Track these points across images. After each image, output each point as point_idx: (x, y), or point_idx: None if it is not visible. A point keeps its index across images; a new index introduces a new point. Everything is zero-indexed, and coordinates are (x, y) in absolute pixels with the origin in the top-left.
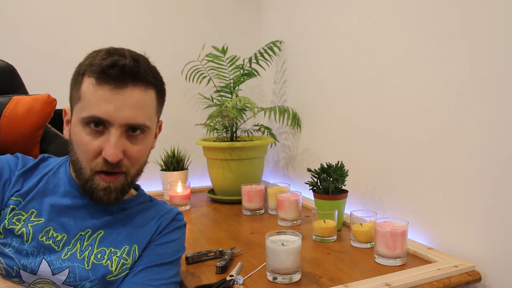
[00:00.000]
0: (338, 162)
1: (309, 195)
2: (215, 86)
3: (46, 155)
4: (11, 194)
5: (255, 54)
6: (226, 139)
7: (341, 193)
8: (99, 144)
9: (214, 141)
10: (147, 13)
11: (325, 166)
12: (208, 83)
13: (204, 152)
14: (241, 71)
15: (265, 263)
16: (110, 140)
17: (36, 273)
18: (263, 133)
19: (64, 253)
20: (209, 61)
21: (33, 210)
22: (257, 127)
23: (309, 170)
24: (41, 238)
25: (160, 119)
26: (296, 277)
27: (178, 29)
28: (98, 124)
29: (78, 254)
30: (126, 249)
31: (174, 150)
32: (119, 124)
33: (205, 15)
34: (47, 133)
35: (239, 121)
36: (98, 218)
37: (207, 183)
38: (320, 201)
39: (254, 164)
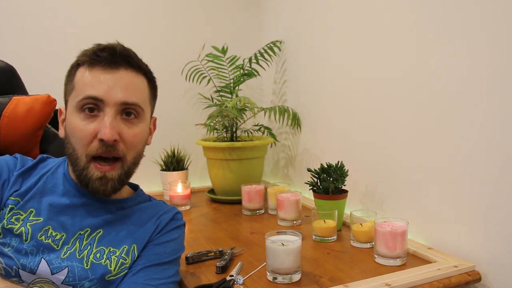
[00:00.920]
0: (338, 162)
1: (309, 195)
2: (215, 86)
3: (45, 155)
4: (10, 194)
5: (255, 54)
6: (226, 139)
7: (341, 193)
8: (95, 127)
9: (214, 141)
10: (147, 13)
11: (325, 166)
12: (208, 83)
13: (204, 152)
14: (241, 71)
15: (265, 263)
16: (105, 120)
17: (35, 272)
18: (263, 133)
19: (63, 252)
20: (209, 61)
21: (32, 209)
22: (257, 127)
23: (309, 170)
24: (40, 237)
25: (161, 119)
26: (296, 277)
27: (178, 29)
28: (93, 109)
29: (77, 254)
30: (125, 249)
31: (174, 150)
32: (113, 103)
33: (205, 15)
34: (47, 133)
35: (239, 121)
36: (97, 217)
37: (207, 183)
38: (320, 201)
39: (254, 164)
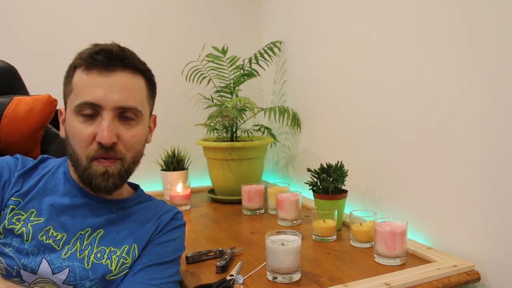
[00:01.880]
0: (338, 162)
1: (309, 195)
2: (215, 86)
3: (45, 156)
4: (10, 195)
5: (255, 55)
6: (226, 139)
7: (341, 193)
8: (93, 130)
9: (214, 141)
10: (147, 13)
11: (325, 166)
12: (208, 83)
13: (204, 152)
14: (241, 71)
15: (265, 262)
16: (103, 124)
17: (36, 272)
18: (263, 133)
19: (64, 252)
20: (209, 61)
21: (33, 209)
22: (257, 127)
23: (309, 170)
24: (41, 238)
25: (161, 119)
26: (296, 276)
27: (178, 30)
28: (91, 111)
29: (78, 254)
30: (125, 248)
31: (174, 150)
32: (110, 107)
33: (205, 16)
34: (47, 133)
35: (239, 121)
36: (98, 217)
37: (207, 183)
38: (320, 201)
39: (254, 164)
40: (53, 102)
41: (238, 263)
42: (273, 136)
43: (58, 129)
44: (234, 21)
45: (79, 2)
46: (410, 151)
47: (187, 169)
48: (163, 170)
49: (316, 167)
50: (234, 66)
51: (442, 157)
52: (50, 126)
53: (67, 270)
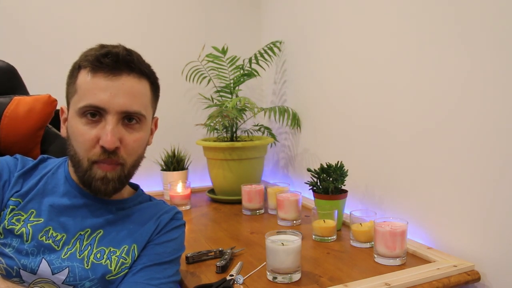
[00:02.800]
0: (338, 162)
1: (309, 195)
2: (215, 86)
3: (45, 156)
4: (10, 195)
5: (255, 55)
6: (226, 139)
7: (341, 193)
8: (96, 133)
9: (214, 141)
10: (147, 13)
11: (325, 166)
12: (208, 83)
13: (204, 152)
14: (241, 71)
15: (265, 262)
16: (107, 128)
17: (36, 272)
18: (263, 133)
19: (64, 253)
20: (209, 61)
21: (33, 210)
22: (257, 127)
23: (309, 170)
24: (40, 238)
25: (161, 119)
26: (296, 276)
27: (178, 30)
28: (95, 114)
29: (78, 254)
30: (125, 249)
31: (174, 150)
32: (115, 111)
33: (205, 16)
34: (47, 133)
35: (239, 121)
36: (98, 217)
37: (207, 183)
38: (320, 201)
39: (254, 164)
40: (53, 102)
41: (238, 263)
42: (273, 136)
43: (58, 129)
44: (234, 21)
45: (79, 2)
46: (410, 151)
47: (187, 169)
48: (163, 170)
49: (316, 167)
50: (234, 66)
51: (442, 157)
52: (50, 126)
53: (66, 270)
